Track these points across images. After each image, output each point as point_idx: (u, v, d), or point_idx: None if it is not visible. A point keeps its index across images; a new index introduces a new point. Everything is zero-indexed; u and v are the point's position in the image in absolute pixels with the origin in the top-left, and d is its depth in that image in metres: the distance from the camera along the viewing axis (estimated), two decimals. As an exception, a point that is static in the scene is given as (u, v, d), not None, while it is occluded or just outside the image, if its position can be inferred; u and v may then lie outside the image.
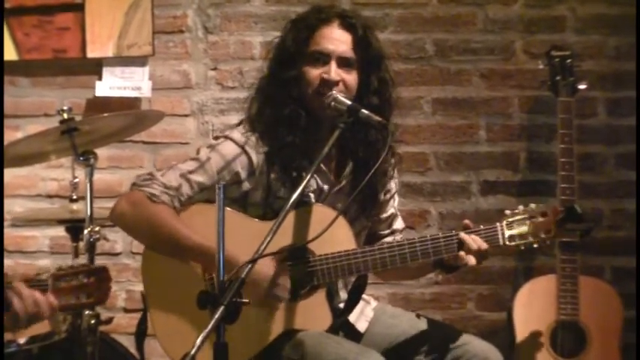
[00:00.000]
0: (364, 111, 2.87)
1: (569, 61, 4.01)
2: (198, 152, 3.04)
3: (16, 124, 4.23)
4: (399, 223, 3.25)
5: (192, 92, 4.28)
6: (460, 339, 3.00)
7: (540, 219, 2.94)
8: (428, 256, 2.93)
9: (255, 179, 2.99)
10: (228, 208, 2.71)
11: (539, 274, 4.06)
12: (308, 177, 2.74)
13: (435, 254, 2.93)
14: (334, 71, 2.95)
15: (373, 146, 3.01)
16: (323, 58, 2.96)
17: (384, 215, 3.20)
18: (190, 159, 3.02)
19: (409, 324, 3.09)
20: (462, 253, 2.90)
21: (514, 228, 2.95)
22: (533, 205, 2.96)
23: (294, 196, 2.66)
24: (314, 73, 2.96)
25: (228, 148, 2.99)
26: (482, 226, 2.95)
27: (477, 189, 4.31)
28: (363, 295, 3.13)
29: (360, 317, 3.12)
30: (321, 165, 2.99)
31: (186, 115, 4.28)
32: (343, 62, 2.97)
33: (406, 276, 3.31)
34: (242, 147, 2.98)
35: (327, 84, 2.94)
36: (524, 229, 2.94)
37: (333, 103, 2.92)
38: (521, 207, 2.96)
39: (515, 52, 4.31)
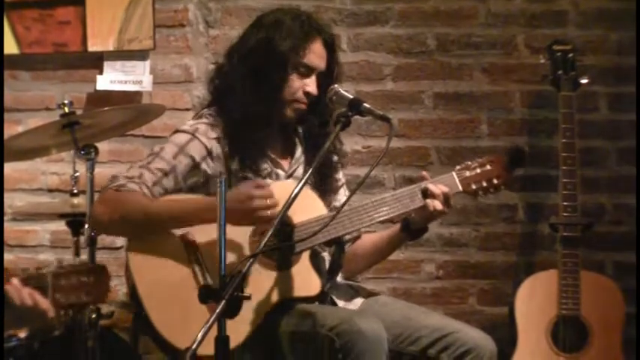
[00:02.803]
0: (366, 105, 2.92)
1: (570, 55, 4.00)
2: (152, 150, 3.17)
3: (16, 117, 4.22)
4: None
5: (194, 86, 4.28)
6: (451, 327, 3.03)
7: (489, 167, 3.14)
8: (397, 210, 3.08)
9: (214, 165, 3.11)
10: None
11: (540, 269, 4.05)
12: (311, 170, 2.78)
13: (403, 207, 3.08)
14: (315, 86, 3.14)
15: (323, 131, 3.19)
16: (308, 71, 3.15)
17: (337, 204, 3.29)
18: (147, 156, 3.16)
19: (400, 312, 3.11)
20: (428, 200, 3.07)
21: (468, 175, 3.14)
22: (479, 159, 3.17)
23: (297, 189, 2.69)
24: (298, 83, 3.15)
25: (179, 137, 3.16)
26: (438, 177, 3.15)
27: (478, 184, 4.30)
28: (352, 284, 3.22)
29: (349, 306, 3.15)
30: (271, 154, 3.18)
31: (187, 109, 4.27)
32: (318, 75, 3.17)
33: (377, 257, 3.34)
34: (192, 134, 3.14)
35: (308, 96, 3.14)
36: (476, 175, 3.14)
37: (334, 97, 3.00)
38: (468, 162, 3.17)
39: (517, 47, 4.29)
